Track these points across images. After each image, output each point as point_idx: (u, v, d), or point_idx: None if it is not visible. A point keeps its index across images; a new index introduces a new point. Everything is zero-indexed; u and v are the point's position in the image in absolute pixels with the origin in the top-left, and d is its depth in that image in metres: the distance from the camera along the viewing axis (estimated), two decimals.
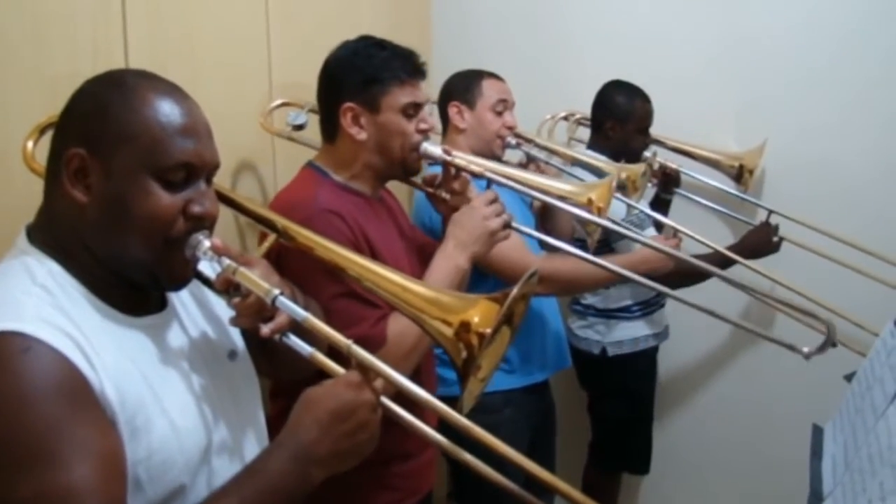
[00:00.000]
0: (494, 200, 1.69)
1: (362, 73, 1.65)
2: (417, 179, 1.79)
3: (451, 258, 1.63)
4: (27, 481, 0.85)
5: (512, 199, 2.00)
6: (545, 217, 2.39)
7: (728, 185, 2.83)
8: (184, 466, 1.02)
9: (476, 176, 1.74)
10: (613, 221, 2.00)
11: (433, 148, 1.70)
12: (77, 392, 0.91)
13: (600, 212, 1.79)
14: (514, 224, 1.75)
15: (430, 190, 1.76)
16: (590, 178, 2.46)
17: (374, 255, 1.62)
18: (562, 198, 1.79)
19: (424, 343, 1.55)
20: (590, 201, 1.79)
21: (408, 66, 1.68)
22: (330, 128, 1.71)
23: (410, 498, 1.77)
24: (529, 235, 1.84)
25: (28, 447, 0.86)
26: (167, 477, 1.00)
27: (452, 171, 1.72)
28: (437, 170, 1.77)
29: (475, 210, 1.67)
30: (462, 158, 1.74)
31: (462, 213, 1.68)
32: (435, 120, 2.00)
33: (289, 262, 1.53)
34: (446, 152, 1.71)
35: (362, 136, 1.66)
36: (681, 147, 2.89)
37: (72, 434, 0.88)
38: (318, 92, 1.74)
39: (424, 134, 1.70)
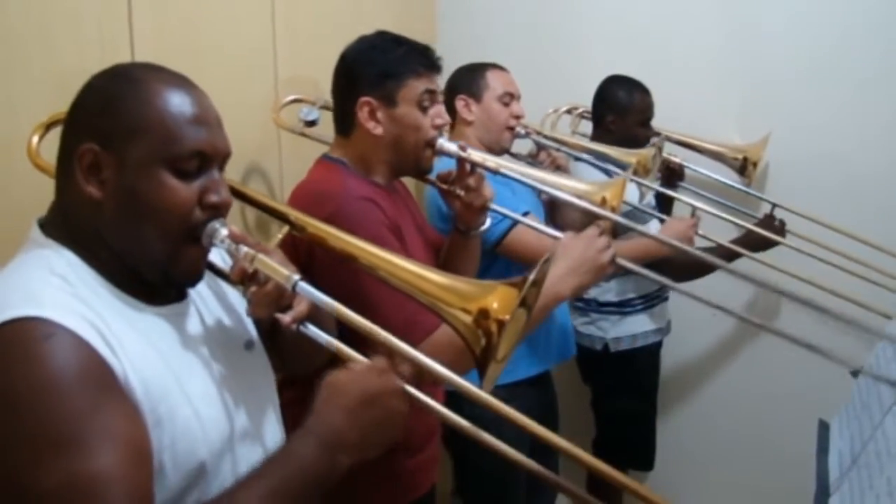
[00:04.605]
0: (603, 233, 1.66)
1: (379, 67, 1.64)
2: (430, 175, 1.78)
3: (553, 286, 1.54)
4: (52, 470, 0.85)
5: (524, 188, 2.00)
6: (555, 207, 2.39)
7: (732, 179, 2.84)
8: (208, 453, 1.02)
9: (492, 172, 1.73)
10: (629, 207, 2.00)
11: (448, 144, 1.69)
12: (101, 379, 0.91)
13: (613, 210, 1.78)
14: (529, 221, 1.79)
15: (444, 186, 1.73)
16: (598, 175, 2.47)
17: (403, 244, 1.61)
18: (576, 196, 1.79)
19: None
20: (604, 200, 1.79)
21: (424, 60, 1.68)
22: (345, 122, 1.70)
23: (413, 493, 1.76)
24: (542, 232, 1.82)
25: (52, 435, 0.86)
26: (191, 464, 1.00)
27: (467, 167, 1.70)
28: (451, 165, 1.74)
29: (591, 240, 1.63)
30: (477, 155, 1.73)
31: (576, 241, 1.63)
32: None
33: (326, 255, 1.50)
34: (462, 148, 1.69)
35: (378, 130, 1.65)
36: (684, 140, 2.89)
37: (96, 421, 0.88)
38: (334, 85, 1.73)
39: (439, 129, 1.70)
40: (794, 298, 1.74)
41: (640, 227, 1.85)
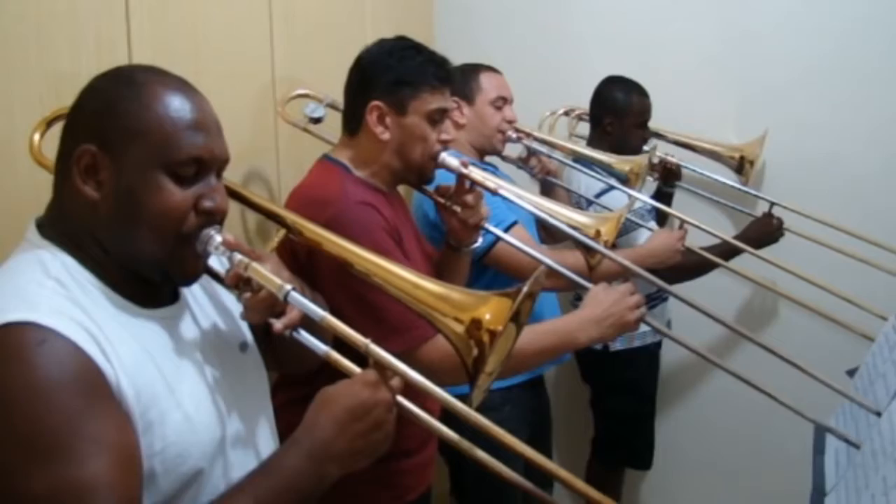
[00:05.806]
0: (634, 293, 1.65)
1: (395, 74, 1.64)
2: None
3: (572, 330, 1.55)
4: (42, 476, 0.85)
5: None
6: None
7: (729, 178, 2.83)
8: (200, 457, 1.02)
9: (491, 192, 1.72)
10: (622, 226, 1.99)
11: (451, 159, 1.69)
12: (93, 385, 0.91)
13: (606, 244, 1.77)
14: (513, 240, 1.80)
15: (442, 200, 1.73)
16: (590, 180, 2.47)
17: (402, 250, 1.61)
18: (571, 226, 1.78)
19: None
20: (598, 233, 1.78)
21: (441, 73, 1.68)
22: (353, 122, 1.70)
23: (409, 495, 1.76)
24: (528, 254, 1.82)
25: (43, 441, 0.86)
26: (182, 469, 1.00)
27: (467, 184, 1.69)
28: (451, 179, 1.74)
29: (623, 296, 1.63)
30: (478, 173, 1.72)
31: (607, 294, 1.63)
32: None
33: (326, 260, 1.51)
34: (463, 165, 1.69)
35: (385, 136, 1.66)
36: (681, 139, 2.89)
37: (87, 428, 0.88)
38: (347, 85, 1.73)
39: (445, 145, 1.70)
40: (751, 384, 1.74)
41: (616, 257, 1.83)
